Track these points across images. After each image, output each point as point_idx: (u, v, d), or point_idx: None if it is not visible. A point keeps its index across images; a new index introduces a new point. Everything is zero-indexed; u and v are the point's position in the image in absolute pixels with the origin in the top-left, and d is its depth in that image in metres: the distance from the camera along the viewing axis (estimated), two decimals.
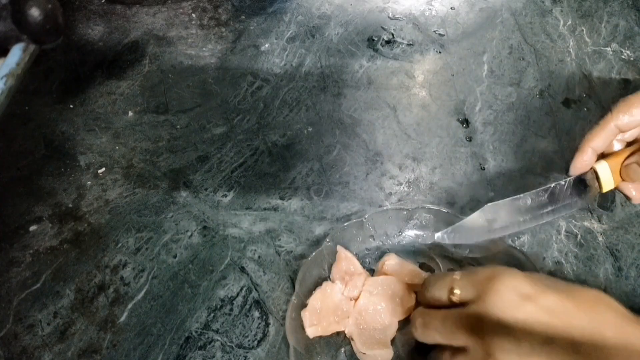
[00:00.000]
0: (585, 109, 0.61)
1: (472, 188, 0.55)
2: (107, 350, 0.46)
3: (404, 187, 0.56)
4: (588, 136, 0.47)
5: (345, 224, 0.50)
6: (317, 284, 0.48)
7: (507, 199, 0.48)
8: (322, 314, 0.46)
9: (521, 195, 0.47)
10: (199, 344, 0.46)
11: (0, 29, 0.42)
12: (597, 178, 0.47)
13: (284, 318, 0.47)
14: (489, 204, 0.47)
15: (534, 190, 0.47)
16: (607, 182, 0.47)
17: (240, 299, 0.49)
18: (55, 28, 0.44)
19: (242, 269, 0.50)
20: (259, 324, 0.47)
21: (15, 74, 0.44)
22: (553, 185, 0.47)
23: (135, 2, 0.72)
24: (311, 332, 0.45)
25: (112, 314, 0.48)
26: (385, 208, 0.53)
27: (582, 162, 0.47)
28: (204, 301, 0.49)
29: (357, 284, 0.47)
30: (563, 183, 0.47)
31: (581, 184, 0.47)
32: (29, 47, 0.44)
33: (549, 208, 0.48)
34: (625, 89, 0.63)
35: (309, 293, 0.47)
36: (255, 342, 0.46)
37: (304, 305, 0.46)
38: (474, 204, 0.54)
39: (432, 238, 0.49)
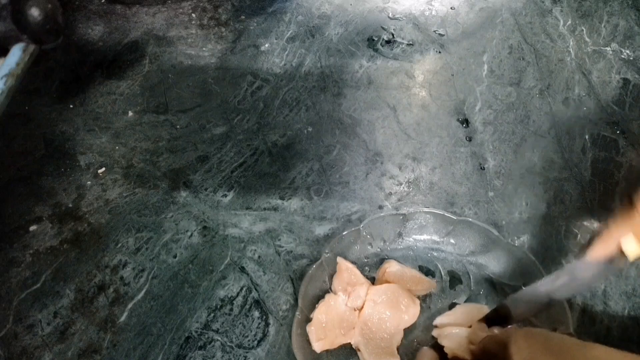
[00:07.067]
0: (584, 109, 0.61)
1: (472, 188, 0.55)
2: (107, 350, 0.46)
3: (403, 187, 0.56)
4: (613, 224, 0.39)
5: (343, 233, 0.49)
6: (319, 296, 0.47)
7: (525, 290, 0.43)
8: (327, 327, 0.45)
9: (538, 282, 0.43)
10: (199, 344, 0.46)
11: (0, 29, 0.42)
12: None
13: (284, 318, 0.47)
14: (512, 296, 0.43)
15: (551, 275, 0.42)
16: (634, 252, 0.39)
17: (240, 299, 0.49)
18: (55, 28, 0.45)
19: (242, 269, 0.50)
20: (259, 324, 0.47)
21: (15, 74, 0.44)
22: (569, 266, 0.42)
23: (135, 2, 0.72)
24: (318, 346, 0.44)
25: (112, 314, 0.48)
26: (381, 214, 0.52)
27: (605, 251, 0.39)
28: (204, 301, 0.49)
29: (360, 294, 0.46)
30: (581, 264, 0.41)
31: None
32: (29, 47, 0.44)
33: (572, 286, 0.42)
34: (625, 88, 0.63)
35: (312, 307, 0.46)
36: (255, 342, 0.46)
37: (308, 320, 0.45)
38: (474, 204, 0.54)
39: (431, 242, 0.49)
